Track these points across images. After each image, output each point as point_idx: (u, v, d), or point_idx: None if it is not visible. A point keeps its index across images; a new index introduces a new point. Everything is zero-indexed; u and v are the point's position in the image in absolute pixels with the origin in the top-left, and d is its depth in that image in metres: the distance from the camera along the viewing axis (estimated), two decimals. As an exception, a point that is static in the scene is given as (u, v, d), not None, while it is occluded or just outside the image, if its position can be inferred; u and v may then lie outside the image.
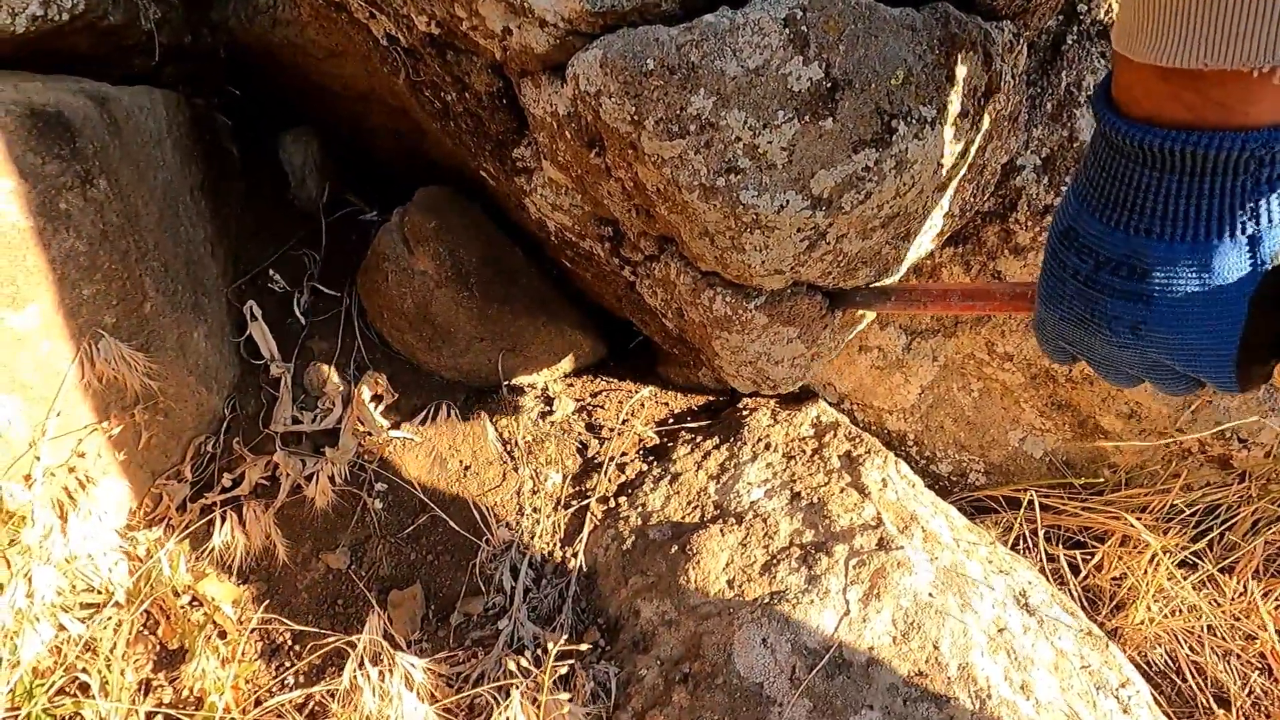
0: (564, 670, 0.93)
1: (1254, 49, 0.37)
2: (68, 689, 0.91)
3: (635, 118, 0.67)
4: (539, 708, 0.88)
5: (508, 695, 0.88)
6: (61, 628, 0.92)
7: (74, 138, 0.90)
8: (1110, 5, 0.94)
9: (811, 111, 0.66)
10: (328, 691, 0.91)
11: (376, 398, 1.20)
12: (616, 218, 0.90)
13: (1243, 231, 0.44)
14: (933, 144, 0.71)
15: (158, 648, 0.97)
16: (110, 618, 0.96)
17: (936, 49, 0.68)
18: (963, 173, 0.82)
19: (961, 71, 0.70)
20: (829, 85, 0.65)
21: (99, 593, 0.98)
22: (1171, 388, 0.54)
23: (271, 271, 1.32)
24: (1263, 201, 0.43)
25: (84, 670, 0.91)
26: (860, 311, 0.94)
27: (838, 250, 0.78)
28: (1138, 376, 0.55)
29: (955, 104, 0.71)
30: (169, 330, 1.03)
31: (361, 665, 0.89)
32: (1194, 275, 0.45)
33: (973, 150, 0.79)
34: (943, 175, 0.77)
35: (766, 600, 0.94)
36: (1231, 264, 0.45)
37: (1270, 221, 0.43)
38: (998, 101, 0.78)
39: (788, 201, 0.70)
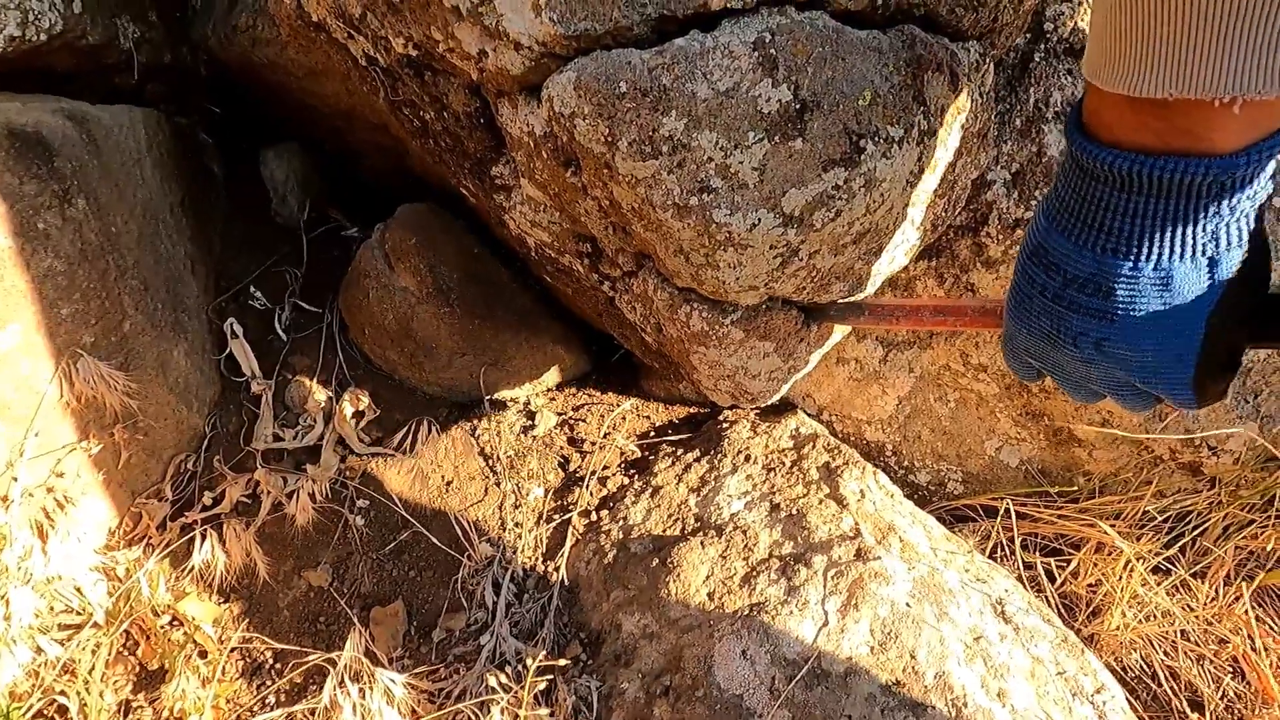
0: (546, 685, 0.93)
1: (1215, 80, 0.39)
2: (45, 711, 0.90)
3: (609, 139, 0.68)
4: (520, 723, 0.88)
5: (489, 711, 0.88)
6: (39, 650, 0.91)
7: (52, 157, 0.90)
8: (1076, 24, 0.96)
9: (781, 132, 0.67)
10: (309, 709, 0.91)
11: (358, 414, 1.20)
12: (594, 235, 0.91)
13: (1203, 253, 0.46)
14: (901, 163, 0.72)
15: (137, 668, 0.97)
16: (89, 639, 0.95)
17: (903, 70, 0.70)
18: (933, 189, 0.83)
19: (928, 92, 0.72)
20: (798, 106, 0.67)
21: (78, 614, 0.97)
22: (1132, 404, 0.56)
23: (253, 288, 1.33)
24: (1222, 225, 0.45)
25: (62, 693, 0.91)
26: (836, 325, 0.96)
27: (810, 266, 0.79)
28: (1099, 392, 0.57)
29: (923, 123, 0.72)
30: (148, 348, 1.03)
31: (342, 683, 0.89)
32: (1156, 294, 0.47)
33: (942, 167, 0.81)
34: (912, 192, 0.79)
35: (746, 612, 0.95)
36: (1192, 284, 0.46)
37: (1229, 244, 0.45)
38: (966, 119, 0.80)
39: (760, 220, 0.71)
